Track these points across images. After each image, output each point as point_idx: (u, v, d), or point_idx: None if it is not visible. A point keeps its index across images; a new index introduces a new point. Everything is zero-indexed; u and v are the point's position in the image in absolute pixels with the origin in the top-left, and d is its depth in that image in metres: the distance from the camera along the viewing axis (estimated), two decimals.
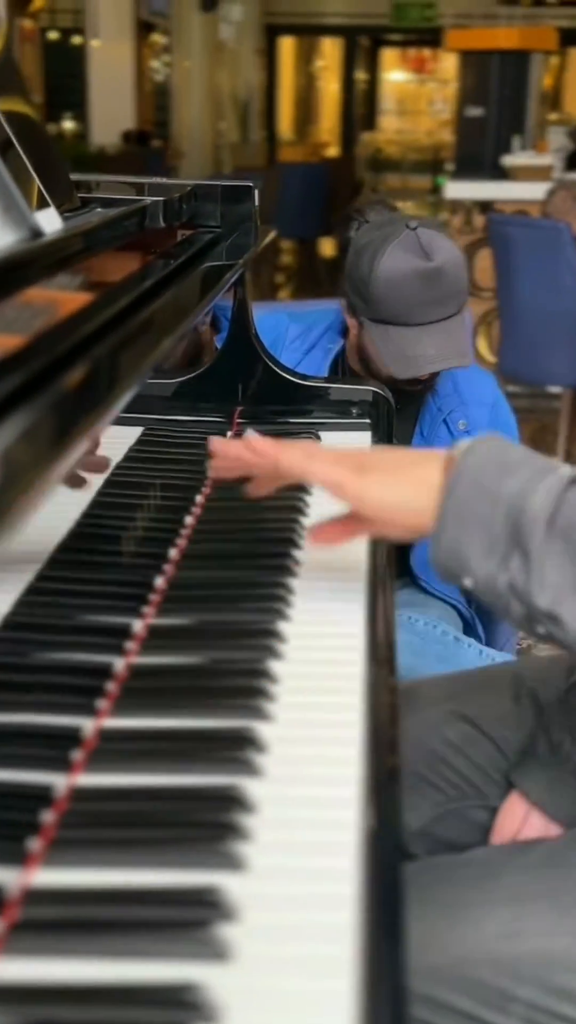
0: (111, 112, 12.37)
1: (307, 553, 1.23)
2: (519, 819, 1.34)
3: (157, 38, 13.62)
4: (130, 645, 1.01)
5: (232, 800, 0.79)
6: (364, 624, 1.08)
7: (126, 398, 0.90)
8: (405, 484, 1.06)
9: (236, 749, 0.86)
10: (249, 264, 1.62)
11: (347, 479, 1.06)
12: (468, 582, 1.01)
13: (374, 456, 1.13)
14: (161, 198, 1.36)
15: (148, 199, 1.35)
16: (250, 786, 0.81)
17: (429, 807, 1.43)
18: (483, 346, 6.06)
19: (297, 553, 1.23)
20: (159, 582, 1.15)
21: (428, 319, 2.03)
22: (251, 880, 0.73)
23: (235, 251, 1.48)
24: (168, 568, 1.18)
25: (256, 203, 1.60)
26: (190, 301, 1.16)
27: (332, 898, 0.72)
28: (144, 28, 12.94)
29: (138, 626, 1.05)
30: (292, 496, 1.38)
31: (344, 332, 2.26)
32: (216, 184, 1.58)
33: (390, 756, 0.87)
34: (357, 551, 1.23)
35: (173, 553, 1.22)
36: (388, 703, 0.95)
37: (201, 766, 0.84)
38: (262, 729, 0.89)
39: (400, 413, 2.01)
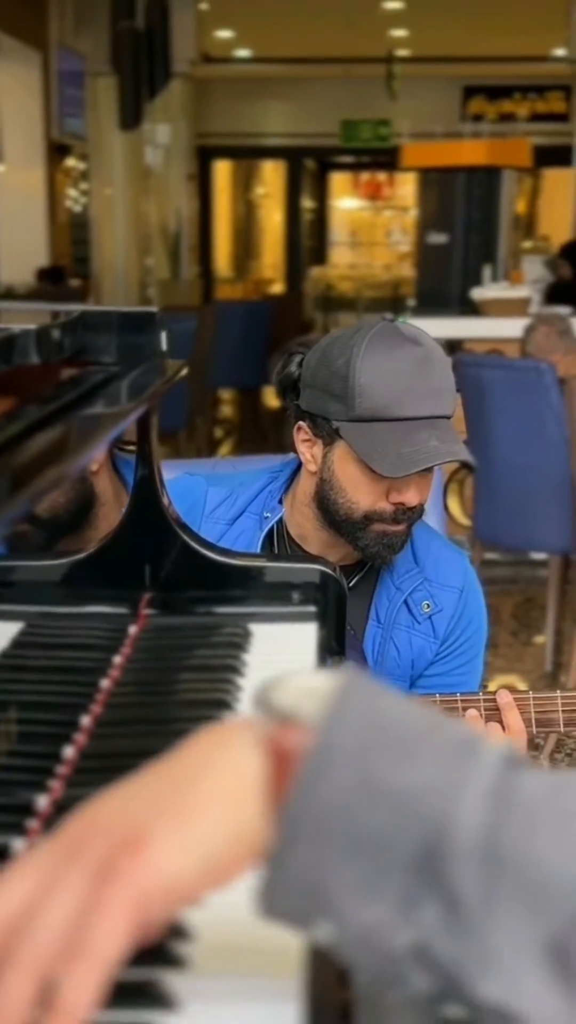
0: (22, 246, 12.44)
1: None
2: None
3: (73, 162, 13.82)
4: None
5: None
6: None
7: None
8: (208, 815, 0.68)
9: None
10: (156, 409, 1.47)
11: (136, 878, 0.65)
12: (326, 930, 0.67)
13: (124, 795, 0.70)
14: (33, 326, 1.21)
15: (16, 327, 1.20)
16: None
17: None
18: (455, 507, 5.97)
19: None
20: (19, 845, 0.96)
21: (423, 413, 1.94)
22: None
23: (135, 393, 1.33)
24: (33, 826, 0.99)
25: (163, 334, 1.46)
26: (47, 460, 1.00)
27: None
28: (58, 151, 13.13)
29: None
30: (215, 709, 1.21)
31: (283, 497, 2.13)
32: (111, 311, 1.44)
33: None
34: None
35: (43, 804, 1.03)
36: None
37: None
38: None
39: (349, 596, 1.88)
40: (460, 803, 0.65)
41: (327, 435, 1.99)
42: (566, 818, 0.66)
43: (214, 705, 1.25)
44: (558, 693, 1.97)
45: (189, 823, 0.67)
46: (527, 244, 14.43)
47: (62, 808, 1.02)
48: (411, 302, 10.29)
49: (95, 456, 1.27)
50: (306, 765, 0.67)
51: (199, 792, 0.68)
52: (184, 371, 1.48)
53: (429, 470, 1.98)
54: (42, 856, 0.68)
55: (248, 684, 1.33)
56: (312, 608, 1.54)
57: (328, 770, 0.66)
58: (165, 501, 1.52)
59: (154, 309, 1.46)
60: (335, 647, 1.50)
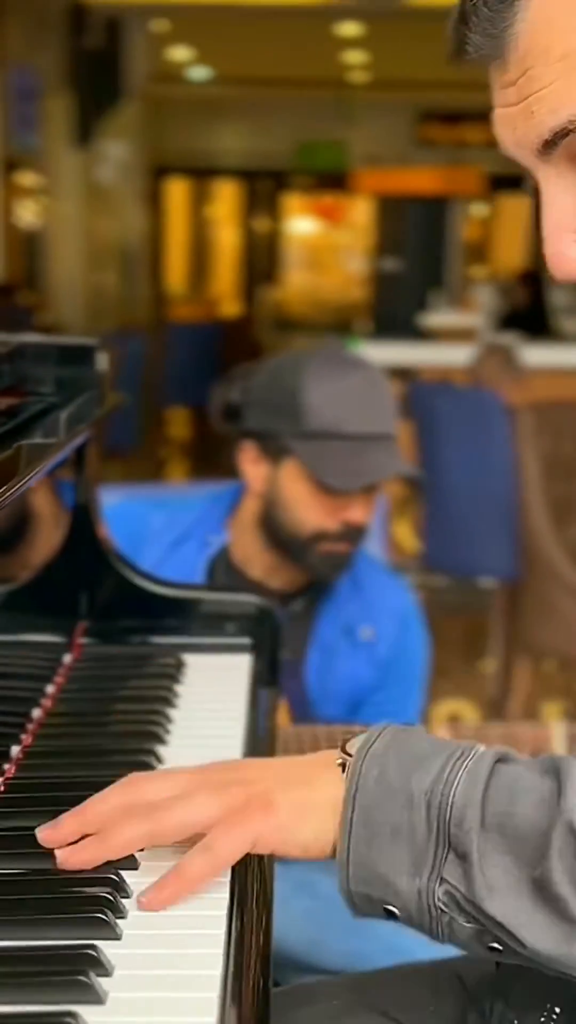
0: None
1: None
2: None
3: (26, 178, 13.78)
4: None
5: None
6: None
7: None
8: (319, 808, 0.99)
9: None
10: (94, 440, 1.49)
11: (261, 825, 0.97)
12: (395, 907, 0.96)
13: (260, 768, 1.04)
14: None
15: None
16: None
17: None
18: (404, 532, 5.99)
19: None
20: None
21: (371, 429, 2.01)
22: None
23: (71, 425, 1.35)
24: None
25: (104, 366, 1.47)
26: None
27: None
28: (10, 167, 13.08)
29: None
30: (144, 745, 1.22)
31: (227, 522, 2.14)
32: (50, 343, 1.45)
33: None
34: None
35: None
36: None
37: None
38: None
39: (291, 623, 1.90)
40: (457, 786, 0.94)
41: (275, 453, 2.02)
42: (530, 792, 0.94)
43: (144, 737, 1.26)
44: (495, 724, 2.00)
45: (304, 814, 0.98)
46: (479, 271, 14.48)
47: None
48: (360, 326, 10.31)
49: (26, 488, 1.28)
50: (348, 788, 0.97)
51: (313, 796, 0.98)
52: (118, 402, 1.50)
53: (374, 489, 2.03)
54: (186, 780, 0.99)
55: (179, 716, 1.35)
56: (247, 640, 1.56)
57: (363, 787, 0.96)
58: (100, 531, 1.53)
59: (93, 341, 1.47)
60: (269, 678, 1.52)
